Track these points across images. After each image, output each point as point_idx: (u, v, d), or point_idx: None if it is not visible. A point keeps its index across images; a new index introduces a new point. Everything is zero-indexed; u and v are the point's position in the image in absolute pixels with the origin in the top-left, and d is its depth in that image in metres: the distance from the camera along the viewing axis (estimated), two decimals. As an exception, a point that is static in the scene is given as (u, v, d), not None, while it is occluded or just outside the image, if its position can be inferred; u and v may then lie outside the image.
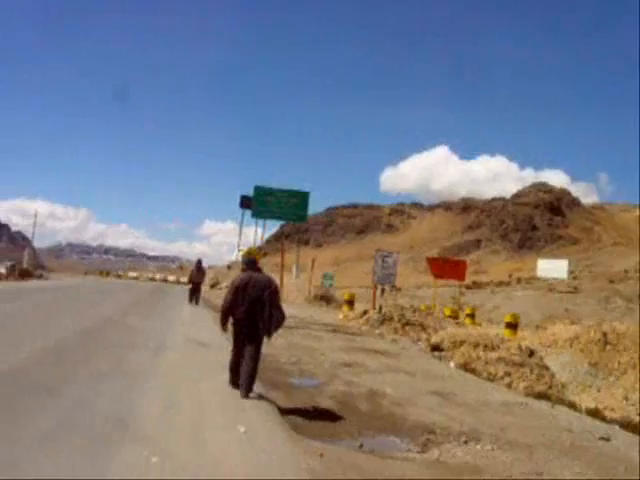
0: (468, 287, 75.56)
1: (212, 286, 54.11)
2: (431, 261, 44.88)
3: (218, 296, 35.96)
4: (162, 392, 9.04)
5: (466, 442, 8.51)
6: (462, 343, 19.37)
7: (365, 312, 30.22)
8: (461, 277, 40.27)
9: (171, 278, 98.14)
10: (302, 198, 35.69)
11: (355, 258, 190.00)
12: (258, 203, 34.81)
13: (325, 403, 10.23)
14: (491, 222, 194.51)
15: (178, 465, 5.86)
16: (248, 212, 38.92)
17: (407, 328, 26.08)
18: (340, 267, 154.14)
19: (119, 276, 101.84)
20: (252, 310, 9.61)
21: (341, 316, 31.84)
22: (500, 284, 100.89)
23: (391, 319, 27.06)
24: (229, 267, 72.99)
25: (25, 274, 46.82)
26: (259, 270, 10.16)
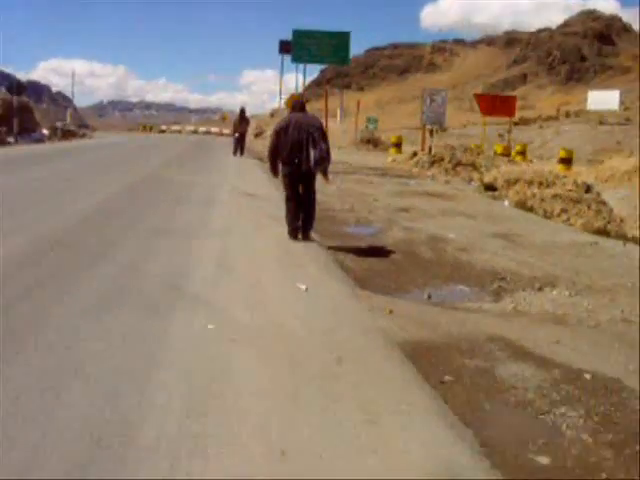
0: (515, 124, 73.33)
1: (256, 135, 53.30)
2: (479, 97, 43.16)
3: (263, 145, 35.39)
4: (215, 250, 8.53)
5: (541, 289, 7.91)
6: (516, 181, 18.72)
7: (414, 154, 29.44)
8: (511, 113, 38.72)
9: (214, 130, 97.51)
10: (343, 39, 34.14)
11: (398, 100, 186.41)
12: (298, 47, 33.45)
13: (385, 252, 9.69)
14: (537, 55, 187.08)
15: (236, 331, 5.35)
16: (288, 58, 37.73)
17: (458, 169, 25.33)
18: (384, 110, 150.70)
19: (162, 131, 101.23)
20: (296, 151, 9.29)
21: (389, 159, 31.12)
22: (548, 119, 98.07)
23: (442, 160, 26.27)
24: (272, 115, 71.75)
25: (69, 134, 46.56)
26: (304, 112, 9.79)
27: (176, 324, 5.37)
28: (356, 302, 6.68)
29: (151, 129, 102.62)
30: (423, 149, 29.90)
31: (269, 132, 52.73)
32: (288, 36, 34.37)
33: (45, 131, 42.59)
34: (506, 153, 34.66)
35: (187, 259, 7.85)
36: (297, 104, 9.97)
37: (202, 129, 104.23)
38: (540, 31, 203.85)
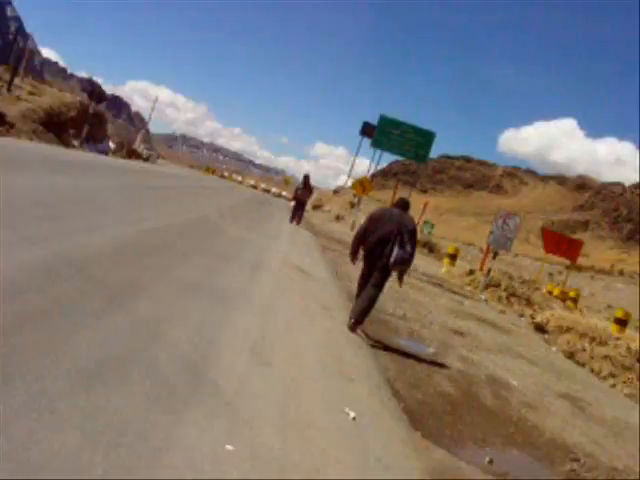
0: (567, 267, 72.07)
1: (315, 207, 52.49)
2: (547, 233, 41.37)
3: (321, 219, 34.37)
4: (251, 335, 6.99)
5: (624, 487, 6.42)
6: (569, 330, 17.87)
7: (471, 272, 28.08)
8: (574, 258, 36.78)
9: (274, 190, 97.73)
10: (427, 138, 33.33)
11: (457, 211, 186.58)
12: (380, 133, 32.70)
13: (442, 384, 8.22)
14: (604, 206, 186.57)
15: (259, 464, 3.95)
16: (365, 141, 37.03)
17: (512, 299, 23.97)
18: (440, 218, 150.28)
19: (223, 176, 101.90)
20: (381, 243, 9.06)
21: (443, 270, 29.75)
22: (600, 271, 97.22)
23: (497, 286, 24.89)
24: (335, 192, 71.54)
25: (133, 154, 46.40)
26: (405, 211, 9.51)
27: (181, 442, 3.98)
28: (407, 449, 5.27)
29: (213, 172, 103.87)
30: (482, 269, 28.49)
31: (328, 207, 52.05)
32: (367, 117, 33.84)
33: (112, 144, 42.35)
34: (563, 298, 32.86)
35: (216, 335, 6.42)
36: (400, 201, 9.79)
37: (263, 185, 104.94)
38: (612, 184, 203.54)
